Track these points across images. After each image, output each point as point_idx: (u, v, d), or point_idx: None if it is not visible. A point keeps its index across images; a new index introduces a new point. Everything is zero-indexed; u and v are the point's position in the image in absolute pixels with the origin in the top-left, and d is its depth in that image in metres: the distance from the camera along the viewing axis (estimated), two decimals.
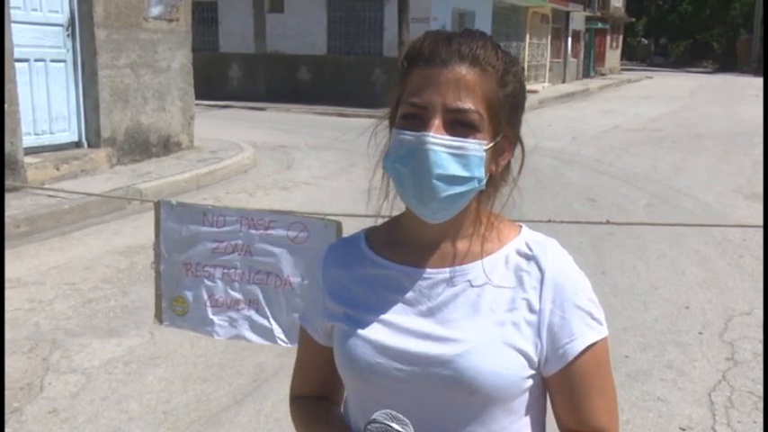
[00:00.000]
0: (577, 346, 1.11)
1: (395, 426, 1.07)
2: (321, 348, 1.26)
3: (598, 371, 1.14)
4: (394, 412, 1.08)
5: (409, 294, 1.15)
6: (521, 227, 1.21)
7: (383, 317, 1.14)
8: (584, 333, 1.12)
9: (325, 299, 1.22)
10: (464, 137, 1.06)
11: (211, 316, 2.48)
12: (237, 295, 2.45)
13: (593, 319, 1.13)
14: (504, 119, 1.11)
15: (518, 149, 1.18)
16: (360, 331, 1.14)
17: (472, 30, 1.13)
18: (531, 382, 1.12)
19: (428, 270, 1.15)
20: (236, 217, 2.43)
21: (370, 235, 1.24)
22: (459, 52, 1.07)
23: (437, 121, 1.05)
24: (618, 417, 1.18)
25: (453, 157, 1.06)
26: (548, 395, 1.18)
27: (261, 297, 2.44)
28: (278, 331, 2.45)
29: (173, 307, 2.53)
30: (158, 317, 2.58)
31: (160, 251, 2.51)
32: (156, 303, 2.56)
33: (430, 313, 1.13)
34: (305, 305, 1.31)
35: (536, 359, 1.11)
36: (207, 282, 2.48)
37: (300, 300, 2.37)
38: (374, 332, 1.14)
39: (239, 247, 2.43)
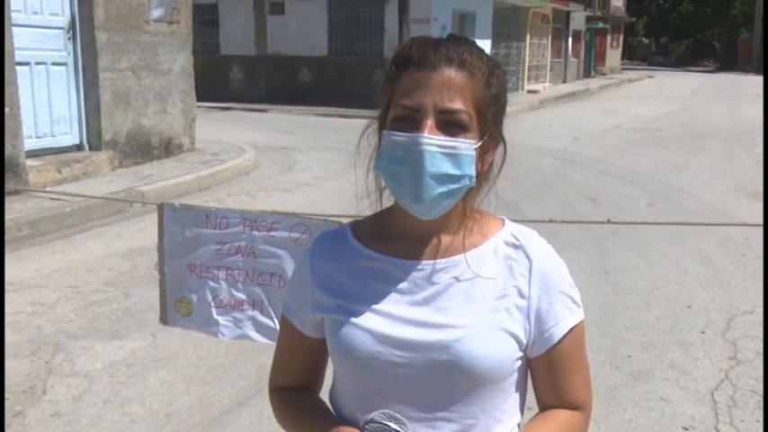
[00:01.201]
0: (561, 329, 1.20)
1: (392, 425, 1.11)
2: (307, 340, 1.29)
3: (577, 350, 1.23)
4: (392, 412, 1.12)
5: (402, 285, 1.20)
6: (503, 220, 1.27)
7: (378, 307, 1.19)
8: (566, 317, 1.21)
9: (314, 291, 1.25)
10: (455, 137, 1.11)
11: (216, 316, 2.49)
12: (241, 296, 2.46)
13: (574, 302, 1.22)
14: (490, 119, 1.16)
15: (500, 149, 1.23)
16: (357, 322, 1.18)
17: (457, 35, 1.19)
18: (519, 363, 1.20)
19: (420, 262, 1.20)
20: (238, 218, 2.44)
21: (356, 229, 1.28)
22: (447, 56, 1.12)
23: (430, 122, 1.10)
24: (592, 390, 1.28)
25: (446, 156, 1.11)
26: (529, 373, 1.26)
27: (265, 298, 2.44)
28: None
29: (177, 308, 2.54)
30: (163, 318, 2.59)
31: (164, 253, 2.52)
32: (160, 304, 2.57)
33: (425, 302, 1.18)
34: (289, 297, 1.33)
35: (525, 342, 1.19)
36: (211, 283, 2.49)
37: None
38: (372, 322, 1.18)
39: (242, 248, 2.44)
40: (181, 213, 2.49)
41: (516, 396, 1.23)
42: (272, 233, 2.40)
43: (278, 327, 2.44)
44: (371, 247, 1.23)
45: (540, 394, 1.25)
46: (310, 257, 1.28)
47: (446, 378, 1.15)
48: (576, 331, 1.22)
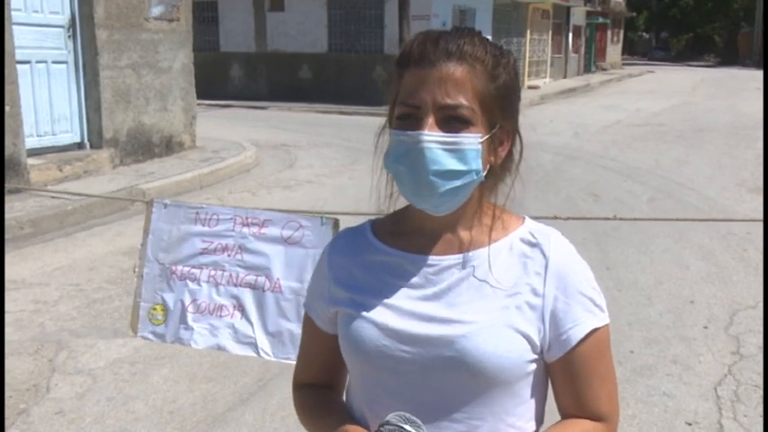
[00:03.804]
0: (580, 332, 1.14)
1: (407, 427, 1.09)
2: (325, 336, 1.29)
3: (600, 357, 1.17)
4: (407, 414, 1.10)
5: (414, 280, 1.19)
6: (524, 218, 1.24)
7: (389, 301, 1.18)
8: (586, 319, 1.15)
9: (330, 285, 1.25)
10: (458, 132, 1.10)
11: (191, 323, 2.41)
12: (222, 300, 2.39)
13: (596, 305, 1.16)
14: (497, 110, 1.14)
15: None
16: (366, 315, 1.18)
17: (461, 27, 1.17)
18: (534, 366, 1.16)
19: (433, 257, 1.19)
20: (230, 215, 2.38)
21: (376, 225, 1.28)
22: (446, 50, 1.11)
23: (430, 120, 1.09)
24: (618, 403, 1.21)
25: (449, 152, 1.10)
26: (549, 380, 1.21)
27: (247, 301, 2.37)
28: (262, 342, 2.37)
29: (150, 315, 2.45)
30: (133, 327, 2.49)
31: (146, 253, 2.46)
32: (132, 311, 2.48)
33: (435, 297, 1.17)
34: (309, 292, 1.34)
35: (539, 344, 1.15)
36: (191, 285, 2.41)
37: (290, 305, 2.34)
38: (380, 315, 1.17)
39: (230, 246, 2.37)
40: (171, 211, 2.44)
41: (532, 403, 1.19)
42: (263, 230, 2.36)
43: (257, 337, 2.38)
44: (387, 243, 1.23)
45: (560, 402, 1.19)
46: (329, 252, 1.28)
47: (452, 375, 1.13)
48: (598, 336, 1.16)
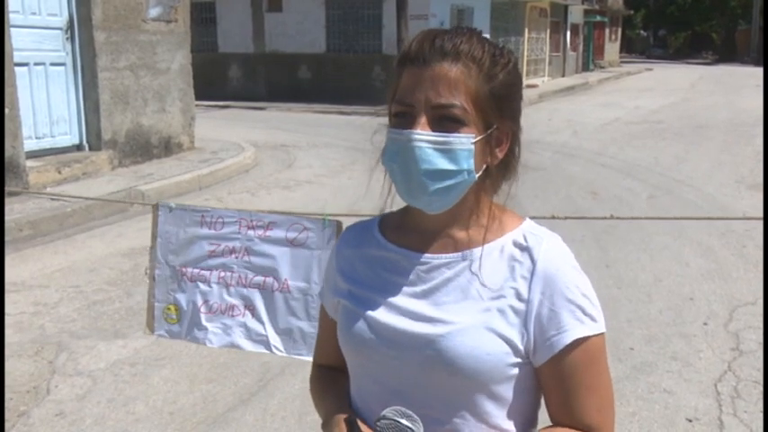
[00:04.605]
0: (565, 339, 1.12)
1: (404, 422, 1.10)
2: (332, 323, 1.32)
3: (589, 367, 1.14)
4: (403, 408, 1.11)
5: (407, 277, 1.20)
6: (524, 219, 1.23)
7: (381, 296, 1.20)
8: (573, 326, 1.12)
9: (336, 276, 1.29)
10: (451, 132, 1.09)
11: (205, 323, 2.46)
12: (233, 300, 2.44)
13: (586, 314, 1.13)
14: (493, 111, 1.13)
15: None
16: (358, 308, 1.21)
17: (462, 26, 1.17)
18: (516, 370, 1.14)
19: (426, 255, 1.20)
20: (235, 218, 2.42)
21: (384, 220, 1.30)
22: (441, 49, 1.11)
23: (422, 119, 1.09)
24: (612, 416, 1.18)
25: (439, 152, 1.10)
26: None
27: (258, 301, 2.42)
28: (274, 339, 2.43)
29: (165, 314, 2.50)
30: (150, 325, 2.54)
31: (156, 255, 2.50)
32: (147, 311, 2.53)
33: (423, 295, 1.18)
34: (323, 282, 1.39)
35: (522, 348, 1.13)
36: (202, 286, 2.46)
37: (299, 304, 2.40)
38: (371, 310, 1.20)
39: (237, 249, 2.42)
40: (176, 214, 2.47)
41: (517, 407, 1.17)
42: (268, 233, 2.39)
43: (269, 334, 2.45)
44: (389, 239, 1.24)
45: (549, 409, 1.18)
46: (338, 243, 1.33)
47: (432, 373, 1.13)
48: (587, 345, 1.13)
